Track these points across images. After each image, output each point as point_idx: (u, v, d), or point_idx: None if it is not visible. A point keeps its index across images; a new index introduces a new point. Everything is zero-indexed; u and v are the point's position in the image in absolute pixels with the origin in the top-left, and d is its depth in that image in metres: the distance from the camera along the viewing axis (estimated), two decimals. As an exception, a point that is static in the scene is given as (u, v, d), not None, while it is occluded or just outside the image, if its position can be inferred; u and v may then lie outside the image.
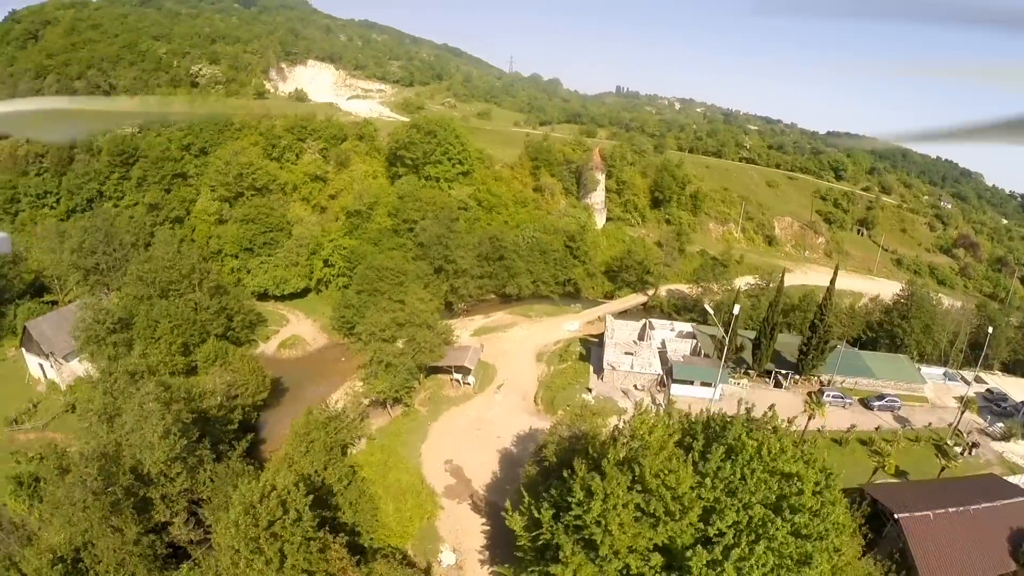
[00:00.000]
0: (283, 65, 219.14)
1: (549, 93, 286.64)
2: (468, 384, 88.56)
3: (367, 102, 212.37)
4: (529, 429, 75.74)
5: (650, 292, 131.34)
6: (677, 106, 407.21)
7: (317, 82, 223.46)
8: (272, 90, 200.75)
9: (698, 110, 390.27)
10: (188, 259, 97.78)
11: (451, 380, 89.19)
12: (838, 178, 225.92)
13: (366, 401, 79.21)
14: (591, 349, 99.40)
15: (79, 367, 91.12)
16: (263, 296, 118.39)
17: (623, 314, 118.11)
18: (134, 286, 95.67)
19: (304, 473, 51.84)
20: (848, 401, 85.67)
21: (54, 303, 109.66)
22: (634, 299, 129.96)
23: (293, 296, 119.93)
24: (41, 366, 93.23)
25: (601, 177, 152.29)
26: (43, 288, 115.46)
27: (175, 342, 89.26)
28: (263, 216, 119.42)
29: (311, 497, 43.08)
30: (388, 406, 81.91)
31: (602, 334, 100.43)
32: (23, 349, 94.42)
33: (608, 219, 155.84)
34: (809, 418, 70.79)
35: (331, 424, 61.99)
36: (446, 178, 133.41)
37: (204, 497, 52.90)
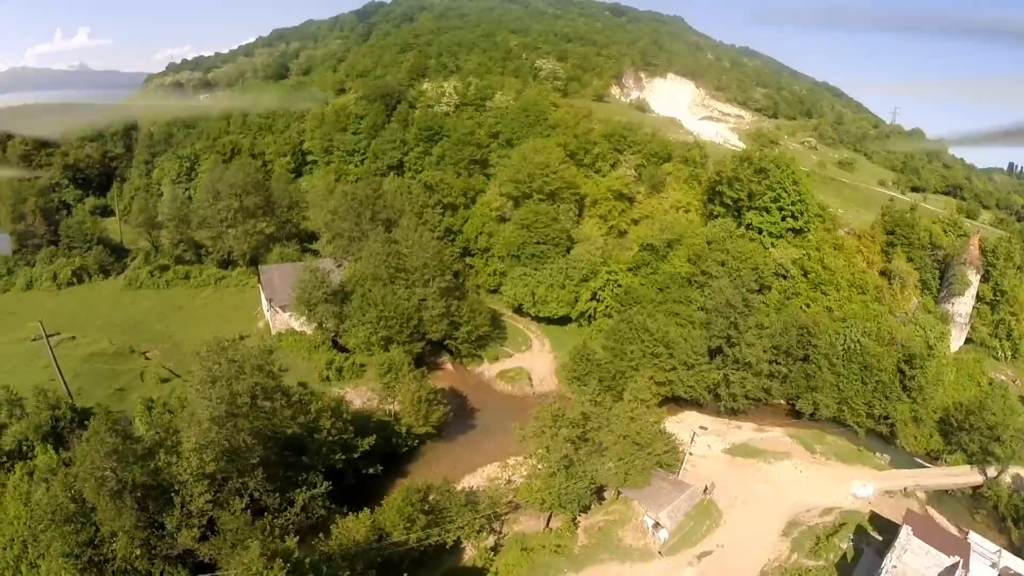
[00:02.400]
0: (641, 75, 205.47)
1: (930, 155, 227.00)
2: (657, 537, 58.53)
3: (717, 125, 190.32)
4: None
5: (991, 473, 79.34)
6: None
7: (675, 97, 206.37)
8: (617, 96, 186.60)
9: None
10: (427, 250, 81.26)
11: (637, 520, 59.65)
12: None
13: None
14: (865, 549, 60.34)
15: (291, 321, 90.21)
16: (519, 310, 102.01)
17: (940, 497, 73.58)
18: (367, 262, 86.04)
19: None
20: None
21: (316, 252, 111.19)
22: (964, 475, 77.82)
23: (551, 320, 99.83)
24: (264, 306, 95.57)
25: (975, 278, 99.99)
26: (314, 236, 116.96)
27: (376, 334, 79.10)
28: (542, 225, 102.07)
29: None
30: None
31: (898, 528, 58.79)
32: (260, 285, 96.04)
33: (967, 340, 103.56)
34: None
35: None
36: (770, 231, 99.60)
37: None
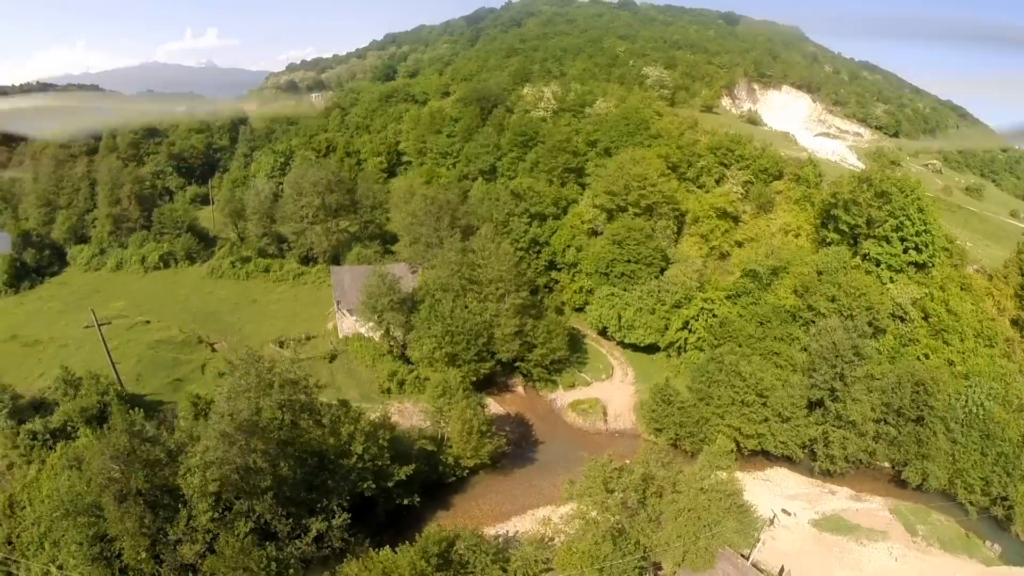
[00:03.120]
0: (754, 86, 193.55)
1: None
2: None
3: (834, 143, 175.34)
4: None
5: None
6: None
7: (790, 111, 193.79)
8: (728, 108, 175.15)
9: None
10: (504, 262, 74.54)
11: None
12: None
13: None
14: None
15: (358, 326, 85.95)
16: (604, 332, 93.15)
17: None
18: (439, 270, 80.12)
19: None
20: None
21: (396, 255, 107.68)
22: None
23: (637, 347, 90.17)
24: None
25: None
26: (397, 238, 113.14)
27: (441, 349, 72.60)
28: (635, 241, 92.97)
29: None
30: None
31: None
32: (333, 284, 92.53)
33: None
34: None
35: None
36: (890, 263, 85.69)
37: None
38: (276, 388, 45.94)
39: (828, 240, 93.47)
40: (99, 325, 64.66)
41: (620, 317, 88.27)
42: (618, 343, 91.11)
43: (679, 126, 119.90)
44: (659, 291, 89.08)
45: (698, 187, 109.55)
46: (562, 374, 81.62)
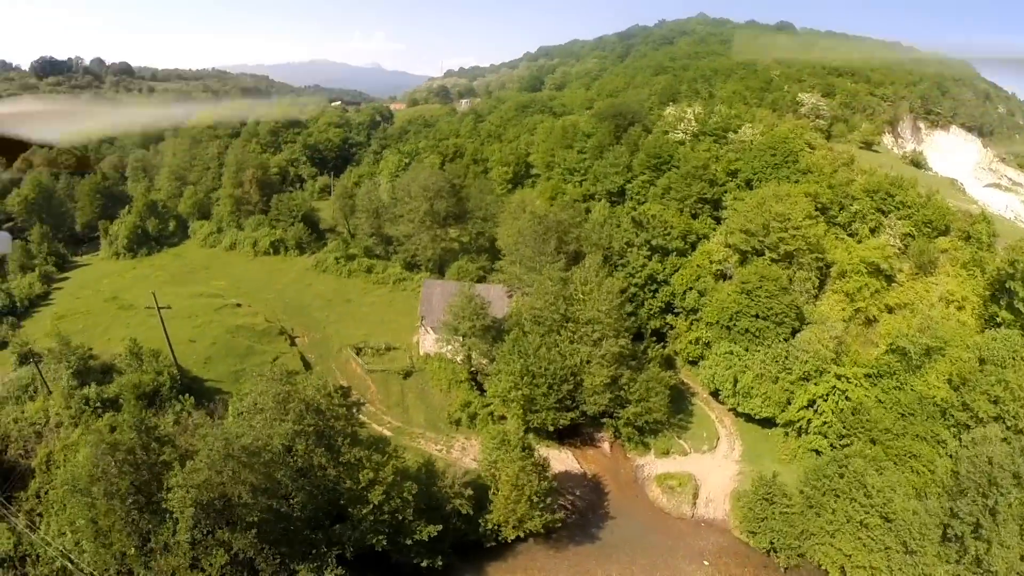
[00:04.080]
0: (920, 124, 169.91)
1: None
2: None
3: (1007, 196, 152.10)
4: None
5: None
6: None
7: (958, 155, 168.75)
8: (890, 146, 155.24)
9: None
10: (606, 300, 64.68)
11: None
12: None
13: None
14: None
15: (439, 345, 78.11)
16: (717, 394, 79.99)
17: None
18: (535, 299, 71.92)
19: None
20: None
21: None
22: None
23: (752, 418, 76.16)
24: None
25: None
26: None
27: (518, 389, 63.48)
28: (766, 293, 79.18)
29: None
30: None
31: None
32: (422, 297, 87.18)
33: None
34: None
35: None
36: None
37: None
38: (293, 414, 41.43)
39: (999, 320, 74.94)
40: (159, 308, 63.23)
41: (736, 381, 75.30)
42: (730, 409, 77.99)
43: (833, 162, 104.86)
44: (787, 357, 75.01)
45: (849, 235, 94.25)
46: (658, 437, 70.38)
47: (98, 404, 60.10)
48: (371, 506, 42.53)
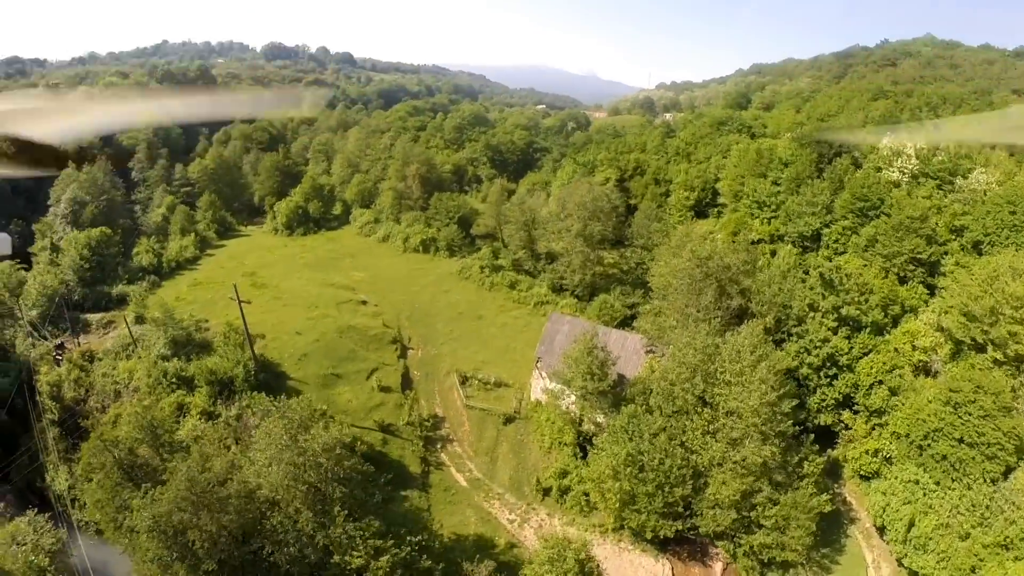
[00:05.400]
0: None
1: None
2: None
3: None
4: None
5: None
6: None
7: None
8: None
9: None
10: (755, 392, 50.32)
11: None
12: None
13: None
14: None
15: (549, 394, 67.10)
16: (883, 532, 60.95)
17: None
18: (670, 364, 58.81)
19: None
20: None
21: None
22: None
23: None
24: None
25: None
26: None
27: (618, 480, 50.73)
28: (979, 411, 58.40)
29: None
30: None
31: None
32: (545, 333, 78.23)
33: None
34: None
35: None
36: None
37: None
38: (284, 465, 37.69)
39: None
40: (240, 302, 60.00)
41: (913, 524, 56.16)
42: (896, 558, 58.77)
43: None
44: (988, 506, 54.75)
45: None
46: (788, 572, 54.15)
47: (174, 380, 62.22)
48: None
